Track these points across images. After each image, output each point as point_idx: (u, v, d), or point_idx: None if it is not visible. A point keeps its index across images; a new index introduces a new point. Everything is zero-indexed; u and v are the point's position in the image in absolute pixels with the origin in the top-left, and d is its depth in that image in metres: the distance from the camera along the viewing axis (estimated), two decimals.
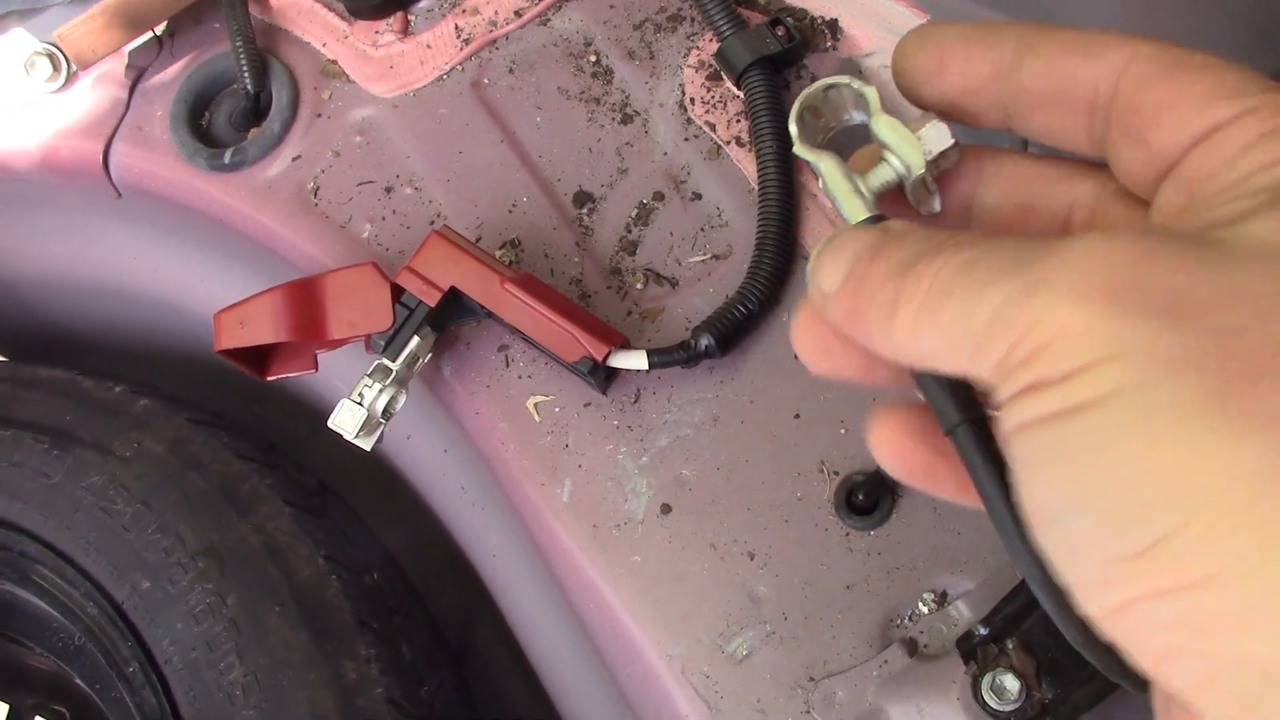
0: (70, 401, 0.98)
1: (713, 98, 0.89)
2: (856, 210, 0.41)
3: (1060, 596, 0.36)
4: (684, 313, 0.84)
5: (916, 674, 0.72)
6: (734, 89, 0.88)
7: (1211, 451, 0.28)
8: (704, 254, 0.86)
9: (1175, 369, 0.29)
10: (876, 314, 0.36)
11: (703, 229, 0.86)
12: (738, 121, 0.88)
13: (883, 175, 0.42)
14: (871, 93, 0.42)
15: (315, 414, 1.03)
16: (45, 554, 0.92)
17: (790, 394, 0.81)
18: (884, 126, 0.42)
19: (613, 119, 0.90)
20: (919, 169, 0.41)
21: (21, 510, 0.93)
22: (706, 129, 0.88)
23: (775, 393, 0.81)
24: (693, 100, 0.89)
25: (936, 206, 0.43)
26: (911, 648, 0.74)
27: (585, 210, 0.88)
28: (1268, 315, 0.29)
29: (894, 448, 0.41)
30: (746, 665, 0.76)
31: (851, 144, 0.45)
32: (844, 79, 0.43)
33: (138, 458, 0.93)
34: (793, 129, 0.43)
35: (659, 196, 0.88)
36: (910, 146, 0.41)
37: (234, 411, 1.04)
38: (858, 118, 0.44)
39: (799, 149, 0.43)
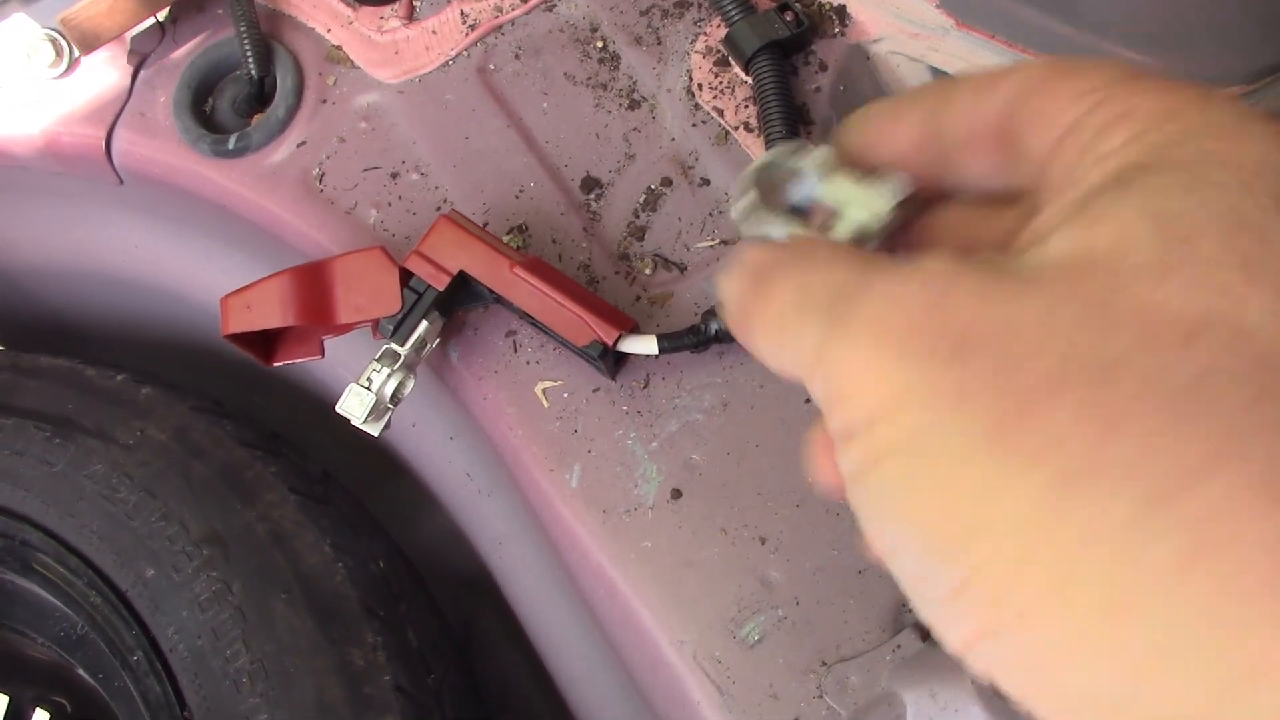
0: (72, 390, 0.97)
1: (720, 83, 0.88)
2: None
3: None
4: (693, 298, 0.84)
5: (930, 658, 0.72)
6: (742, 74, 0.88)
7: (995, 488, 0.28)
8: (713, 239, 0.85)
9: (954, 408, 0.28)
10: (742, 328, 0.36)
11: (711, 214, 0.86)
12: (746, 107, 0.87)
13: (841, 233, 0.41)
14: (821, 152, 0.41)
15: (317, 403, 1.02)
16: (47, 542, 0.91)
17: None
18: (837, 186, 0.41)
19: (620, 105, 0.90)
20: (881, 218, 0.40)
21: (23, 499, 0.92)
22: (714, 114, 0.88)
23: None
24: (700, 86, 0.89)
25: None
26: (925, 632, 0.73)
27: (593, 196, 0.88)
28: (1044, 344, 0.28)
29: (826, 464, 0.39)
30: (758, 650, 0.75)
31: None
32: (793, 145, 0.42)
33: (140, 446, 0.92)
34: (746, 201, 0.41)
35: (667, 182, 0.87)
36: (867, 198, 0.40)
37: (236, 401, 1.03)
38: (808, 184, 0.42)
39: (751, 220, 0.41)
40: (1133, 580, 0.26)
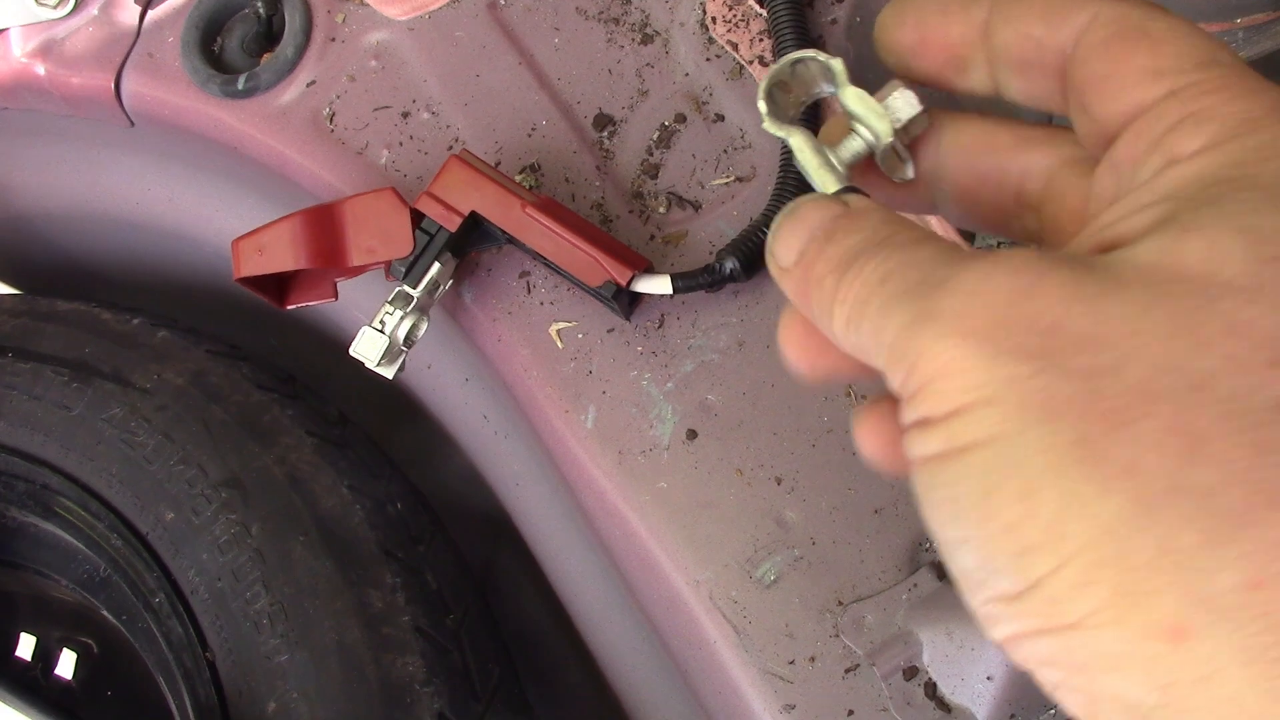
0: (89, 334, 0.97)
1: (734, 16, 0.87)
2: (828, 183, 0.41)
3: None
4: (707, 236, 0.83)
5: (946, 597, 0.72)
6: (756, 7, 0.86)
7: (1077, 501, 0.28)
8: (727, 176, 0.84)
9: (1043, 415, 0.29)
10: (820, 307, 0.37)
11: (725, 151, 0.85)
12: (760, 41, 0.86)
13: (853, 146, 0.42)
14: (838, 64, 0.42)
15: (333, 346, 1.02)
16: (68, 486, 0.92)
17: None
18: (851, 98, 0.42)
19: (632, 39, 0.88)
20: (887, 137, 0.41)
21: (43, 443, 0.93)
22: (729, 49, 0.86)
23: None
24: (714, 19, 0.87)
25: (910, 173, 0.43)
26: (941, 571, 0.73)
27: (606, 133, 0.87)
28: (1132, 355, 0.29)
29: (880, 439, 0.40)
30: (774, 590, 0.75)
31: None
32: (810, 53, 0.42)
33: (158, 390, 0.93)
34: (761, 106, 0.43)
35: (681, 118, 0.86)
36: (877, 116, 0.41)
37: (251, 344, 1.03)
38: (826, 89, 0.44)
39: (768, 125, 0.43)
40: (1197, 603, 0.27)
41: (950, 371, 0.31)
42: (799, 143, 0.42)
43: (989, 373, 0.30)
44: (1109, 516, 0.28)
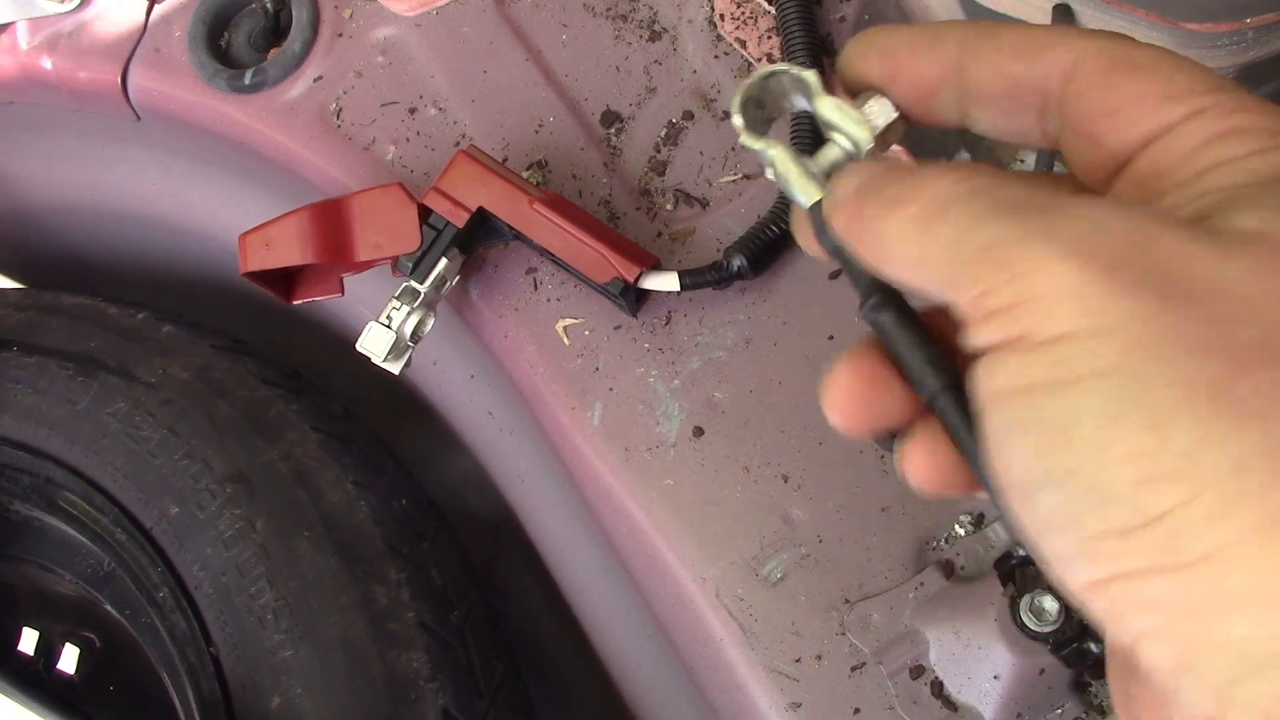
0: (94, 328, 0.97)
1: (743, 13, 0.87)
2: (811, 192, 0.41)
3: None
4: (715, 233, 0.82)
5: (953, 596, 0.72)
6: (765, 4, 0.86)
7: (1214, 435, 0.28)
8: (735, 174, 0.84)
9: (1171, 351, 0.29)
10: (875, 210, 0.36)
11: (733, 148, 0.84)
12: (769, 38, 0.86)
13: (831, 155, 0.42)
14: (811, 76, 0.42)
15: (338, 341, 1.02)
16: (73, 480, 0.92)
17: (823, 315, 0.79)
18: (827, 107, 0.41)
19: (640, 36, 0.88)
20: (867, 144, 0.41)
21: (48, 436, 0.92)
22: (737, 46, 0.86)
23: (808, 314, 0.80)
24: (722, 16, 0.87)
25: None
26: (948, 570, 0.73)
27: (613, 130, 0.86)
28: (1253, 311, 0.30)
29: (850, 400, 0.40)
30: (781, 588, 0.75)
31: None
32: (782, 67, 0.42)
33: (163, 384, 0.92)
34: (737, 120, 0.43)
35: (688, 116, 0.86)
36: (855, 122, 0.41)
37: (256, 338, 1.03)
38: (800, 103, 0.44)
39: (745, 139, 0.42)
40: None
41: (1066, 294, 0.30)
42: (778, 154, 0.41)
43: (1110, 302, 0.30)
44: (1245, 452, 0.28)
